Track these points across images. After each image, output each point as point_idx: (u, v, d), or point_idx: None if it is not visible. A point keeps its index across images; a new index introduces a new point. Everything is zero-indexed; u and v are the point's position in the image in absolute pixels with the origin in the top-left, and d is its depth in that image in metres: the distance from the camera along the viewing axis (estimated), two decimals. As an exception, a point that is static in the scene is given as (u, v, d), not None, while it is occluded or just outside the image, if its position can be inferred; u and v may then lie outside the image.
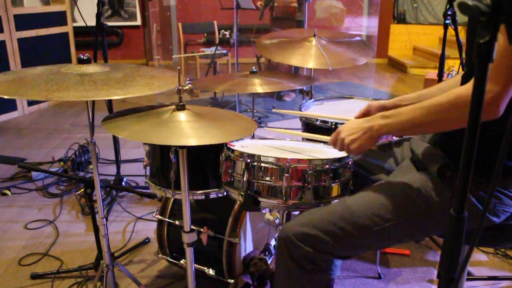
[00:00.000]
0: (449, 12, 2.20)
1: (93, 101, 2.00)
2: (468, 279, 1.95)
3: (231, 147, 1.37)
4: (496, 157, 1.12)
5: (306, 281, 1.22)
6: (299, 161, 1.28)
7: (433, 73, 4.03)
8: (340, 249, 1.22)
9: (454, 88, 1.30)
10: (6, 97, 1.23)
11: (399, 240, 1.29)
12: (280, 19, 4.63)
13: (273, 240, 1.93)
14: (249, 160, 1.30)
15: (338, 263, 1.31)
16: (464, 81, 1.23)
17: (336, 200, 1.32)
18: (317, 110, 1.95)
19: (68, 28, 4.89)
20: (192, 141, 1.22)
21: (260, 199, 1.32)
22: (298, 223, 1.23)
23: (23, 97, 1.28)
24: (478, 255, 2.15)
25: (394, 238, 1.28)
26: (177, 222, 1.79)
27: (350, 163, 1.35)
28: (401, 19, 7.21)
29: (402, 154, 1.44)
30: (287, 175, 1.26)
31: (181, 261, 1.83)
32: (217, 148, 1.42)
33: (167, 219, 1.83)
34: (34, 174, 2.98)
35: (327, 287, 1.27)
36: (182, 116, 1.31)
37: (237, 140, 1.50)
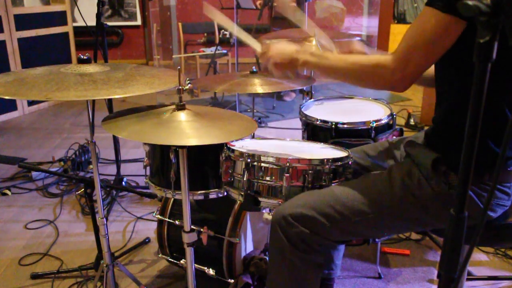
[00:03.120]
0: None
1: (93, 101, 2.00)
2: (468, 279, 1.95)
3: (231, 147, 1.37)
4: (488, 152, 1.14)
5: (299, 260, 1.23)
6: (299, 161, 1.28)
7: (433, 73, 4.03)
8: (335, 232, 1.23)
9: None
10: (6, 97, 1.24)
11: (395, 230, 1.29)
12: (279, 18, 4.62)
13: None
14: (249, 160, 1.30)
15: (338, 262, 1.32)
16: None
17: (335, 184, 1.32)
18: (318, 110, 1.95)
19: (68, 28, 4.88)
20: (192, 141, 1.22)
21: (260, 199, 1.32)
22: (294, 204, 1.24)
23: (24, 97, 1.28)
24: (478, 255, 2.15)
25: (390, 227, 1.29)
26: (177, 222, 1.79)
27: (350, 163, 1.36)
28: (401, 19, 7.20)
29: (400, 154, 1.45)
30: (287, 175, 1.26)
31: (181, 261, 1.83)
32: (217, 148, 1.42)
33: (167, 219, 1.83)
34: (34, 174, 2.98)
35: (319, 268, 1.28)
36: (182, 116, 1.31)
37: (237, 140, 1.50)
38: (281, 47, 1.34)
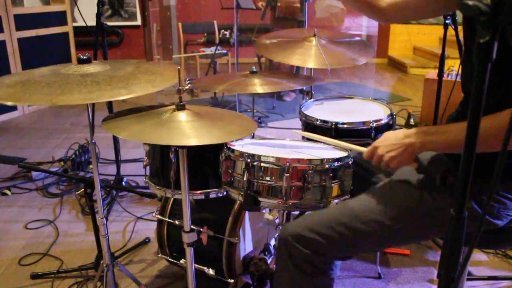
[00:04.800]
0: (449, 12, 2.20)
1: (93, 101, 1.99)
2: (468, 279, 1.95)
3: (231, 147, 1.37)
4: (495, 159, 1.12)
5: (306, 284, 1.22)
6: (299, 161, 1.28)
7: (433, 73, 4.03)
8: (337, 251, 1.22)
9: None
10: (9, 103, 1.22)
11: (398, 243, 1.28)
12: (282, 19, 4.62)
13: (273, 240, 1.93)
14: (249, 160, 1.30)
15: (338, 262, 1.31)
16: (463, 107, 1.21)
17: (336, 201, 1.32)
18: (317, 110, 1.95)
19: (68, 28, 4.88)
20: (192, 141, 1.22)
21: (260, 199, 1.32)
22: (296, 225, 1.23)
23: (28, 103, 1.26)
24: (478, 255, 2.15)
25: (393, 242, 1.28)
26: (177, 222, 1.79)
27: (350, 163, 1.35)
28: (401, 19, 7.19)
29: None
30: (287, 175, 1.26)
31: (181, 261, 1.83)
32: (217, 148, 1.42)
33: (167, 219, 1.83)
34: (34, 174, 2.98)
35: None
36: (182, 116, 1.31)
37: (237, 140, 1.50)
38: (387, 137, 1.18)
